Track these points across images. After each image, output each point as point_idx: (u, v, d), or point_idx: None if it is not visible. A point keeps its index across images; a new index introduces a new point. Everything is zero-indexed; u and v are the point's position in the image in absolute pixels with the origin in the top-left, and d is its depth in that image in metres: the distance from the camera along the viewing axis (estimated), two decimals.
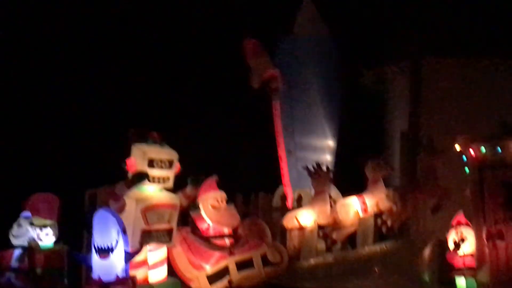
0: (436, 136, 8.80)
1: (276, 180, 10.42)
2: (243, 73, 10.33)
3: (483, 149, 7.51)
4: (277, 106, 10.30)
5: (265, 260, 8.53)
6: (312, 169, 9.19)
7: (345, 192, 9.53)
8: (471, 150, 7.60)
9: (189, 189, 7.83)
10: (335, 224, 9.02)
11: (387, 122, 12.43)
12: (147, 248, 7.22)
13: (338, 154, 11.40)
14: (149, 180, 7.22)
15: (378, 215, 8.94)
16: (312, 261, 8.67)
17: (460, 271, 7.68)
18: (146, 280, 7.20)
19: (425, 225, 8.92)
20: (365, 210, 8.95)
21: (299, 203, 9.57)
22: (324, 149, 11.25)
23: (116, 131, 8.13)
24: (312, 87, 11.18)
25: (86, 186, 8.09)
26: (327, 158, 11.10)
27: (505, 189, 7.35)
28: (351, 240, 9.19)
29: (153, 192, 7.31)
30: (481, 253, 7.51)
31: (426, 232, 8.69)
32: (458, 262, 7.70)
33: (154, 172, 7.23)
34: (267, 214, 9.60)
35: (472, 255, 7.64)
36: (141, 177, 7.10)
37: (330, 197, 9.27)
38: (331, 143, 11.36)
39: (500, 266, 7.29)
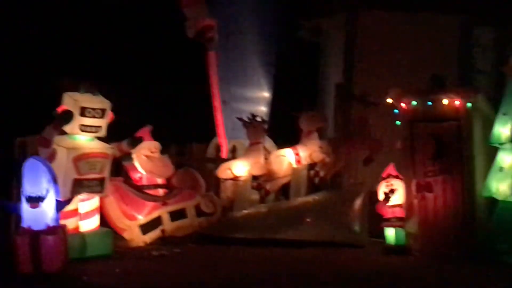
0: (370, 89, 8.86)
1: (210, 131, 10.40)
2: (178, 22, 10.18)
3: (414, 102, 7.62)
4: (212, 56, 10.22)
5: (198, 211, 8.58)
6: (247, 120, 9.20)
7: (280, 144, 9.60)
8: (402, 103, 7.70)
9: (125, 146, 7.73)
10: (269, 175, 9.09)
11: (322, 75, 12.47)
12: (78, 197, 7.14)
13: (273, 105, 11.42)
14: (81, 130, 7.11)
15: (311, 166, 9.04)
16: (246, 211, 8.73)
17: (389, 222, 7.83)
18: (77, 229, 7.14)
19: (357, 176, 9.06)
20: (298, 161, 9.03)
21: (233, 154, 9.58)
22: (259, 100, 11.25)
23: (48, 79, 7.95)
24: (248, 38, 11.11)
25: (16, 134, 7.90)
26: (262, 110, 11.12)
27: (435, 142, 7.48)
28: (285, 191, 9.29)
29: (84, 141, 7.19)
30: (410, 204, 7.68)
31: (358, 183, 8.82)
32: (387, 213, 7.85)
33: (86, 121, 7.10)
34: (201, 164, 9.59)
35: (401, 206, 7.79)
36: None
37: (264, 148, 9.32)
38: (266, 94, 11.37)
39: (428, 217, 7.46)
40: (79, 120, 7.04)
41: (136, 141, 7.85)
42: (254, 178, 9.16)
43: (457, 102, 7.44)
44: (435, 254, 7.32)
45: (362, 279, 6.25)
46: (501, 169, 7.24)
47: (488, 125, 7.46)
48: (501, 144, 7.25)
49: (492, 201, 7.43)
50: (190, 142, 10.23)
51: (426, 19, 9.93)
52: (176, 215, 8.42)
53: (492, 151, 7.47)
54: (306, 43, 12.60)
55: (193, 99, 11.81)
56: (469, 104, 7.42)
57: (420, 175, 7.53)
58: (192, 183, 8.71)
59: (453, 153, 7.46)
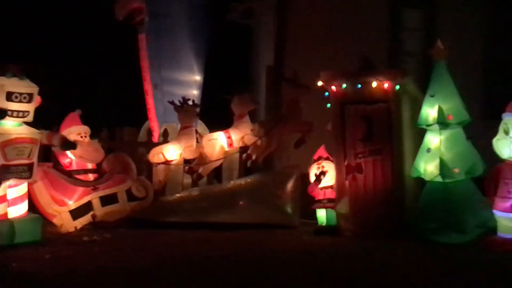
0: (301, 71, 8.90)
1: (142, 115, 10.32)
2: (107, 5, 10.03)
3: (344, 85, 7.70)
4: (142, 39, 10.11)
5: (130, 195, 8.51)
6: (178, 103, 9.14)
7: (212, 127, 9.58)
8: (332, 86, 7.76)
9: (55, 142, 7.58)
10: (201, 159, 9.07)
11: (254, 57, 12.52)
12: (6, 183, 6.98)
13: (205, 88, 11.39)
14: (7, 115, 6.94)
15: (243, 149, 9.06)
16: (178, 195, 8.70)
17: (321, 203, 7.93)
18: (5, 215, 6.98)
19: (289, 159, 9.13)
20: (230, 144, 9.03)
21: (165, 137, 9.51)
22: (191, 83, 11.20)
23: None
24: (179, 20, 11.02)
25: None
26: (194, 93, 11.07)
27: (365, 124, 7.57)
28: (217, 174, 9.29)
29: (11, 126, 7.02)
30: (341, 185, 7.77)
31: (290, 165, 8.89)
32: (318, 194, 7.94)
33: (13, 105, 6.93)
34: (133, 149, 9.50)
35: (332, 187, 7.89)
36: (1, 113, 6.83)
37: (196, 132, 9.29)
38: (198, 77, 11.32)
39: (359, 198, 7.56)
40: (5, 105, 6.87)
41: (67, 145, 7.74)
42: (186, 161, 9.13)
43: (386, 85, 7.54)
44: (366, 234, 7.41)
45: (294, 259, 6.30)
46: (428, 150, 7.38)
47: (417, 107, 7.59)
48: (429, 125, 7.38)
49: (420, 182, 7.58)
50: (121, 126, 10.13)
51: (355, 1, 10.04)
52: (107, 200, 8.34)
53: (420, 133, 7.62)
54: (238, 25, 12.59)
55: (124, 82, 11.69)
56: (397, 86, 7.53)
57: (351, 157, 7.60)
58: (123, 168, 8.62)
59: (382, 134, 7.55)
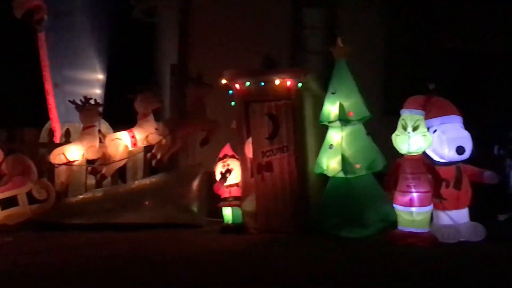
0: (205, 70, 8.88)
1: (43, 115, 10.05)
2: (6, 2, 9.72)
3: (247, 83, 7.73)
4: (42, 37, 9.84)
5: (31, 198, 8.29)
6: (79, 103, 8.96)
7: (116, 126, 9.43)
8: (236, 84, 7.79)
9: None
10: (105, 159, 8.91)
11: (158, 56, 12.41)
12: None
13: (108, 88, 11.19)
14: None
15: (148, 148, 8.97)
16: (81, 197, 8.53)
17: (227, 201, 7.93)
18: None
19: (194, 157, 9.10)
20: (134, 144, 8.92)
21: (67, 138, 9.29)
22: (94, 82, 10.97)
23: None
24: (80, 19, 10.77)
25: None
26: (97, 92, 10.86)
27: (270, 121, 7.62)
28: (122, 174, 9.16)
29: None
30: (246, 183, 7.82)
31: (195, 164, 8.86)
32: (224, 193, 7.95)
33: None
34: (33, 150, 9.23)
35: (238, 185, 7.92)
36: None
37: (99, 131, 9.13)
38: (101, 76, 11.10)
39: (268, 196, 7.62)
40: None
41: None
42: (89, 162, 8.96)
43: (288, 82, 7.63)
44: (273, 231, 7.48)
45: (200, 258, 6.27)
46: (330, 146, 7.52)
47: (319, 104, 7.71)
48: (330, 122, 7.51)
49: (324, 178, 7.70)
50: (21, 127, 9.83)
51: None
52: (6, 203, 8.10)
53: (322, 130, 7.74)
54: (142, 24, 12.44)
55: (24, 82, 11.36)
56: (299, 84, 7.63)
57: (259, 155, 7.64)
58: (23, 170, 8.37)
59: (287, 132, 7.63)
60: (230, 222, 7.92)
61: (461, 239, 6.95)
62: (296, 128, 7.64)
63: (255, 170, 7.69)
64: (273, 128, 7.63)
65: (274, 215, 7.60)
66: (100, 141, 8.96)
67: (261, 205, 7.65)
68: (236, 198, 7.91)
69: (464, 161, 7.10)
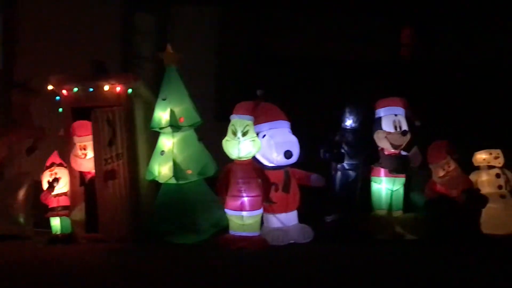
0: (32, 75, 8.56)
1: None
2: None
3: (75, 88, 7.54)
4: None
5: None
6: None
7: None
8: (63, 90, 7.57)
9: None
10: None
11: None
12: None
13: None
14: None
15: None
16: None
17: (54, 211, 7.67)
18: None
19: (21, 166, 8.74)
20: None
21: None
22: None
23: None
24: None
25: None
26: None
27: (110, 128, 7.47)
28: None
29: None
30: (75, 192, 7.62)
31: (22, 173, 8.50)
32: (52, 202, 7.68)
33: None
34: None
35: (66, 194, 7.69)
36: None
37: None
38: None
39: (110, 206, 7.47)
40: None
41: None
42: None
43: (118, 88, 7.52)
44: (107, 239, 7.33)
45: (28, 271, 6.02)
46: (162, 152, 7.48)
47: (150, 111, 7.65)
48: (162, 128, 7.48)
49: (156, 184, 7.64)
50: None
51: (88, 3, 9.85)
52: None
53: (154, 136, 7.68)
54: None
55: None
56: (130, 90, 7.54)
57: (100, 163, 7.47)
58: None
59: (122, 138, 7.51)
60: (58, 232, 7.66)
61: (290, 241, 7.14)
62: (128, 135, 7.53)
63: (100, 178, 7.49)
64: (112, 135, 7.48)
65: (109, 223, 7.44)
66: None
67: (105, 214, 7.47)
68: (64, 207, 7.67)
69: (292, 165, 7.31)
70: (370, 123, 7.76)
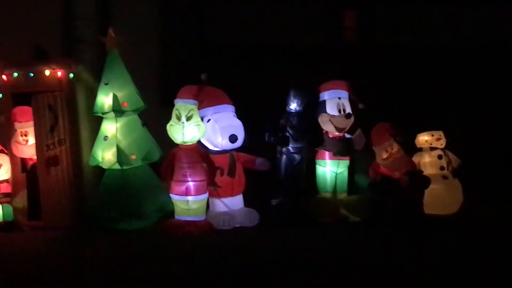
0: None
1: None
2: None
3: (15, 74, 7.40)
4: None
5: None
6: None
7: None
8: (3, 75, 7.42)
9: None
10: None
11: None
12: None
13: None
14: None
15: None
16: None
17: None
18: None
19: None
20: None
21: None
22: None
23: None
24: None
25: None
26: None
27: (52, 113, 7.34)
28: None
29: None
30: (17, 179, 7.51)
31: None
32: None
33: None
34: None
35: (7, 181, 7.57)
36: None
37: None
38: None
39: (52, 192, 7.37)
40: None
41: None
42: None
43: (59, 73, 7.40)
44: (51, 227, 7.24)
45: None
46: (105, 138, 7.37)
47: (93, 96, 7.53)
48: (105, 113, 7.38)
49: (100, 170, 7.55)
50: None
51: None
52: None
53: (98, 121, 7.58)
54: None
55: None
56: (71, 75, 7.43)
57: (43, 149, 7.36)
58: None
59: (63, 124, 7.40)
60: (0, 220, 7.51)
61: (237, 225, 7.16)
62: (70, 120, 7.43)
63: (42, 164, 7.36)
64: (54, 120, 7.36)
65: (59, 210, 7.35)
66: None
67: (46, 201, 7.37)
68: (6, 195, 7.52)
69: (237, 149, 7.32)
70: (314, 107, 7.79)
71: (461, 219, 7.67)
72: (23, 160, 7.61)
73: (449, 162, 8.04)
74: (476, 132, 9.62)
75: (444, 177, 7.97)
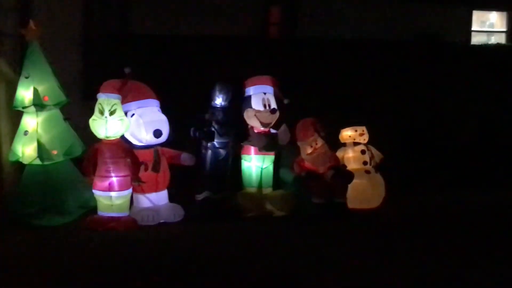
0: None
1: None
2: None
3: None
4: None
5: None
6: None
7: None
8: None
9: None
10: None
11: None
12: None
13: None
14: None
15: None
16: None
17: None
18: None
19: None
20: None
21: None
22: None
23: None
24: None
25: None
26: None
27: None
28: None
29: None
30: None
31: None
32: None
33: None
34: None
35: None
36: None
37: None
38: None
39: None
40: None
41: None
42: None
43: None
44: None
45: None
46: (26, 132, 7.20)
47: (13, 89, 7.33)
48: (25, 107, 7.20)
49: (20, 166, 7.36)
50: None
51: None
52: None
53: (18, 116, 7.38)
54: None
55: None
56: None
57: None
58: None
59: None
60: None
61: (161, 221, 7.09)
62: None
63: None
64: None
65: None
66: None
67: None
68: None
69: (162, 144, 7.25)
70: (239, 102, 7.80)
71: (383, 213, 7.81)
72: None
73: (371, 157, 8.17)
74: (398, 128, 9.83)
75: (367, 172, 8.10)
